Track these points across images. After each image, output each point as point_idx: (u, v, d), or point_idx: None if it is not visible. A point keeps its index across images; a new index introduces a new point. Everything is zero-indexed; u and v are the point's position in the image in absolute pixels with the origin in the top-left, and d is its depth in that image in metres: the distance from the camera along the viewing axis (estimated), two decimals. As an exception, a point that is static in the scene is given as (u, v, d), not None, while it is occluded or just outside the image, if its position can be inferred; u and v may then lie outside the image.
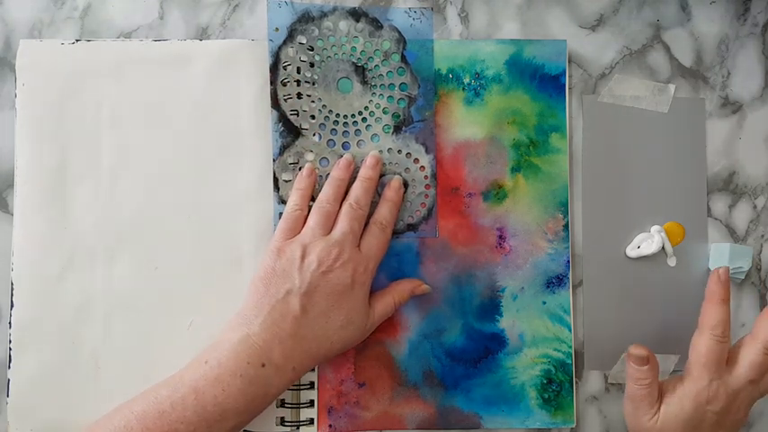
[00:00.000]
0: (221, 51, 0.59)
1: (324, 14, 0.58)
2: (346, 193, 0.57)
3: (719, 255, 0.60)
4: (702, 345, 0.53)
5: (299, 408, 0.58)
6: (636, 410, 0.54)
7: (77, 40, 0.59)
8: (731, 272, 0.59)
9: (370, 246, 0.55)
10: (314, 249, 0.53)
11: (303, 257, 0.52)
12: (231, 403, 0.49)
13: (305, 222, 0.55)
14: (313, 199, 0.57)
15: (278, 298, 0.51)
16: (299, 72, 0.58)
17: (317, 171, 0.58)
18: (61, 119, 0.58)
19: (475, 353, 0.59)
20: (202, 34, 0.61)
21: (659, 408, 0.53)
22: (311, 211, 0.55)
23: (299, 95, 0.58)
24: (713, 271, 0.55)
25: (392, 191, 0.58)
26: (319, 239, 0.53)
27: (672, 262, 0.60)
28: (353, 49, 0.59)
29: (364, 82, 0.59)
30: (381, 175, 0.58)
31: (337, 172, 0.57)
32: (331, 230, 0.54)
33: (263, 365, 0.50)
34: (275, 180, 0.58)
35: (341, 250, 0.53)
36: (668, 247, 0.60)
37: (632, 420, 0.54)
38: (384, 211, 0.57)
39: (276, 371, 0.51)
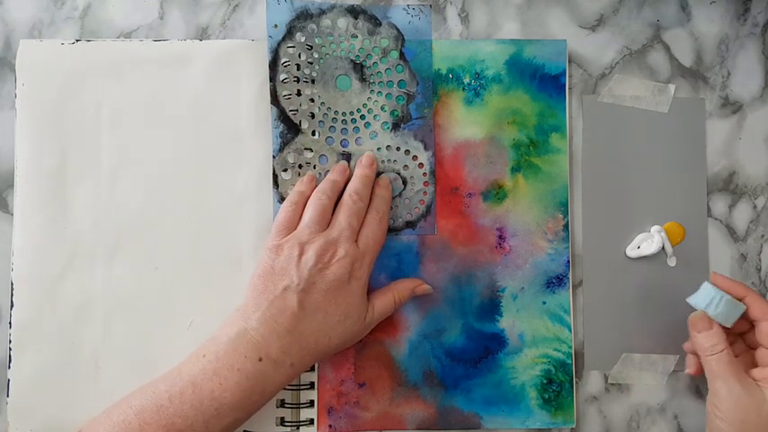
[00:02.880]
0: (221, 51, 0.59)
1: (322, 12, 0.59)
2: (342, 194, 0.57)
3: (707, 298, 0.54)
4: None
5: (299, 408, 0.58)
6: (725, 383, 0.51)
7: (77, 40, 0.59)
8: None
9: (368, 239, 0.55)
10: (311, 247, 0.53)
11: (300, 255, 0.52)
12: (228, 398, 0.49)
13: (300, 218, 0.55)
14: None
15: (276, 294, 0.52)
16: (298, 69, 0.58)
17: (316, 175, 0.58)
18: (61, 119, 0.58)
19: (475, 353, 0.59)
20: (202, 34, 0.61)
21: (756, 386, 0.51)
22: (307, 204, 0.55)
23: (299, 93, 0.58)
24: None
25: (382, 188, 0.58)
26: (316, 236, 0.53)
27: (672, 262, 0.60)
28: (352, 46, 0.59)
29: (363, 79, 0.59)
30: (380, 173, 0.59)
31: (333, 175, 0.57)
32: (328, 225, 0.54)
33: (261, 360, 0.50)
34: (275, 177, 0.58)
35: (338, 247, 0.53)
36: (668, 247, 0.60)
37: (728, 401, 0.51)
38: (379, 203, 0.57)
39: (274, 366, 0.51)
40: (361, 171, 0.57)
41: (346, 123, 0.59)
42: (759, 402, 0.51)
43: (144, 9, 0.61)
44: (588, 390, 0.60)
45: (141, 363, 0.57)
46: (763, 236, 0.61)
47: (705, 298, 0.54)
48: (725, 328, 0.53)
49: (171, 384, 0.50)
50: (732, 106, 0.62)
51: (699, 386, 0.60)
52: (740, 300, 0.53)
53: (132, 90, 0.59)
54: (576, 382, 0.60)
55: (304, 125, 0.58)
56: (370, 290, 0.56)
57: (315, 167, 0.58)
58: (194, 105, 0.59)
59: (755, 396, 0.51)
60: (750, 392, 0.51)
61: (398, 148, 0.59)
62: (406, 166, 0.59)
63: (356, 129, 0.59)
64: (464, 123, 0.60)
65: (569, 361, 0.59)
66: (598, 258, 0.60)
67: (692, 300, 0.55)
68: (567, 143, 0.60)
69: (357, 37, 0.59)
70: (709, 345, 0.53)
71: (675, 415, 0.60)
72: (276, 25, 0.58)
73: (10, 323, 0.57)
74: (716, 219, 0.61)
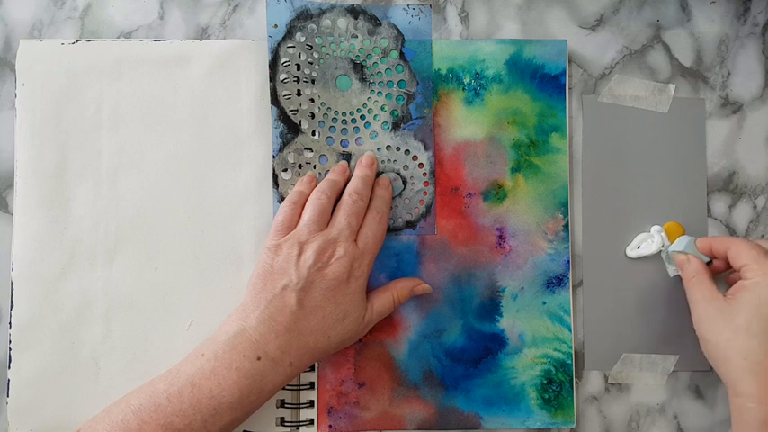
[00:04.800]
0: (221, 51, 0.59)
1: (322, 12, 0.59)
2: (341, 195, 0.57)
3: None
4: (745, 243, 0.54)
5: (299, 408, 0.58)
6: (698, 306, 0.54)
7: (77, 40, 0.59)
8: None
9: (367, 239, 0.55)
10: (310, 246, 0.53)
11: (300, 254, 0.52)
12: (226, 397, 0.49)
13: (299, 218, 0.55)
14: None
15: (275, 293, 0.52)
16: (298, 69, 0.58)
17: (316, 175, 0.58)
18: (61, 119, 0.58)
19: (475, 353, 0.59)
20: (202, 34, 0.61)
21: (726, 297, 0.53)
22: (307, 204, 0.55)
23: (299, 93, 0.58)
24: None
25: (381, 188, 0.58)
26: (316, 236, 0.53)
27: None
28: (352, 46, 0.59)
29: (363, 79, 0.59)
30: (380, 173, 0.59)
31: (333, 175, 0.57)
32: (327, 225, 0.54)
33: (259, 359, 0.50)
34: (275, 177, 0.58)
35: (337, 246, 0.53)
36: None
37: (703, 322, 0.54)
38: (378, 203, 0.57)
39: (272, 364, 0.51)
40: (361, 171, 0.57)
41: (346, 123, 0.59)
42: (728, 317, 0.52)
43: (144, 9, 0.61)
44: (588, 390, 0.60)
45: (141, 363, 0.57)
46: (763, 236, 0.61)
47: (678, 244, 0.58)
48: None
49: (169, 383, 0.50)
50: (732, 106, 0.62)
51: (699, 386, 0.60)
52: (706, 244, 0.57)
53: (132, 90, 0.59)
54: (576, 382, 0.60)
55: (304, 125, 0.58)
56: (370, 289, 0.56)
57: (315, 167, 0.58)
58: (194, 105, 0.59)
59: (725, 312, 0.53)
60: (719, 309, 0.53)
61: (398, 148, 0.59)
62: (406, 166, 0.59)
63: (356, 129, 0.59)
64: (464, 123, 0.60)
65: (569, 361, 0.59)
66: (598, 258, 0.60)
67: (670, 249, 0.59)
68: (567, 143, 0.60)
69: (357, 37, 0.59)
70: (686, 275, 0.56)
71: (675, 415, 0.60)
72: (276, 25, 0.58)
73: (10, 323, 0.57)
74: (716, 219, 0.61)
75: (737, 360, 0.51)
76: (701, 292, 0.54)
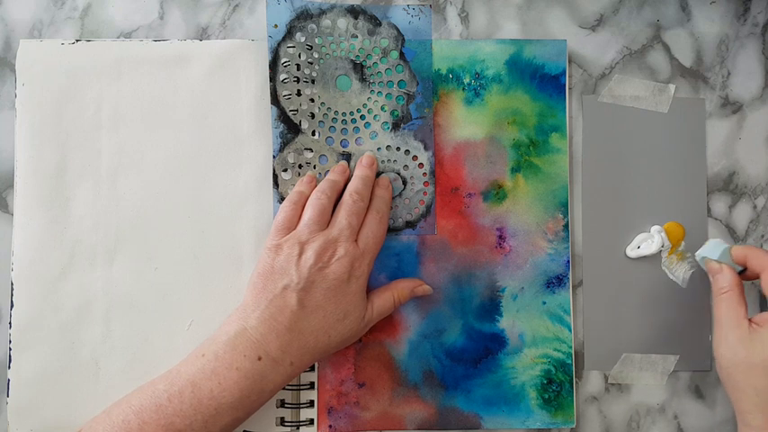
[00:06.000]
0: (221, 51, 0.59)
1: (322, 12, 0.59)
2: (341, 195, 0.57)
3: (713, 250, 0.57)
4: None
5: (299, 408, 0.58)
6: (721, 329, 0.53)
7: (77, 40, 0.59)
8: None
9: (367, 239, 0.55)
10: (311, 246, 0.53)
11: (300, 254, 0.52)
12: (227, 397, 0.49)
13: (300, 218, 0.55)
14: None
15: (275, 293, 0.52)
16: (298, 69, 0.58)
17: (316, 175, 0.58)
18: (61, 119, 0.58)
19: (475, 353, 0.59)
20: (202, 34, 0.61)
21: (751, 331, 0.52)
22: (307, 204, 0.55)
23: (299, 93, 0.58)
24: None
25: (382, 188, 0.58)
26: (316, 236, 0.53)
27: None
28: (352, 46, 0.59)
29: (363, 79, 0.59)
30: (380, 173, 0.59)
31: (333, 175, 0.57)
32: (327, 225, 0.54)
33: (260, 359, 0.50)
34: (275, 177, 0.58)
35: (338, 246, 0.53)
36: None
37: (721, 347, 0.53)
38: (378, 203, 0.57)
39: (273, 364, 0.51)
40: (361, 171, 0.57)
41: (346, 123, 0.59)
42: (747, 350, 0.51)
43: (144, 9, 0.61)
44: (588, 390, 0.60)
45: (141, 363, 0.57)
46: (763, 236, 0.61)
47: (711, 250, 0.56)
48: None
49: (170, 384, 0.50)
50: (732, 106, 0.62)
51: (699, 386, 0.60)
52: (741, 255, 0.55)
53: (132, 90, 0.59)
54: (576, 382, 0.60)
55: (304, 125, 0.58)
56: (370, 289, 0.56)
57: (315, 167, 0.58)
58: (194, 105, 0.59)
59: (745, 343, 0.52)
60: (740, 339, 0.52)
61: (398, 148, 0.59)
62: (406, 166, 0.59)
63: (356, 129, 0.59)
64: (464, 123, 0.60)
65: (569, 361, 0.59)
66: (598, 258, 0.60)
67: (699, 252, 0.57)
68: (567, 143, 0.60)
69: (357, 37, 0.59)
70: (717, 287, 0.55)
71: (675, 415, 0.60)
72: (276, 25, 0.58)
73: (10, 323, 0.57)
74: (716, 219, 0.61)
75: (750, 394, 0.51)
76: (727, 313, 0.53)
